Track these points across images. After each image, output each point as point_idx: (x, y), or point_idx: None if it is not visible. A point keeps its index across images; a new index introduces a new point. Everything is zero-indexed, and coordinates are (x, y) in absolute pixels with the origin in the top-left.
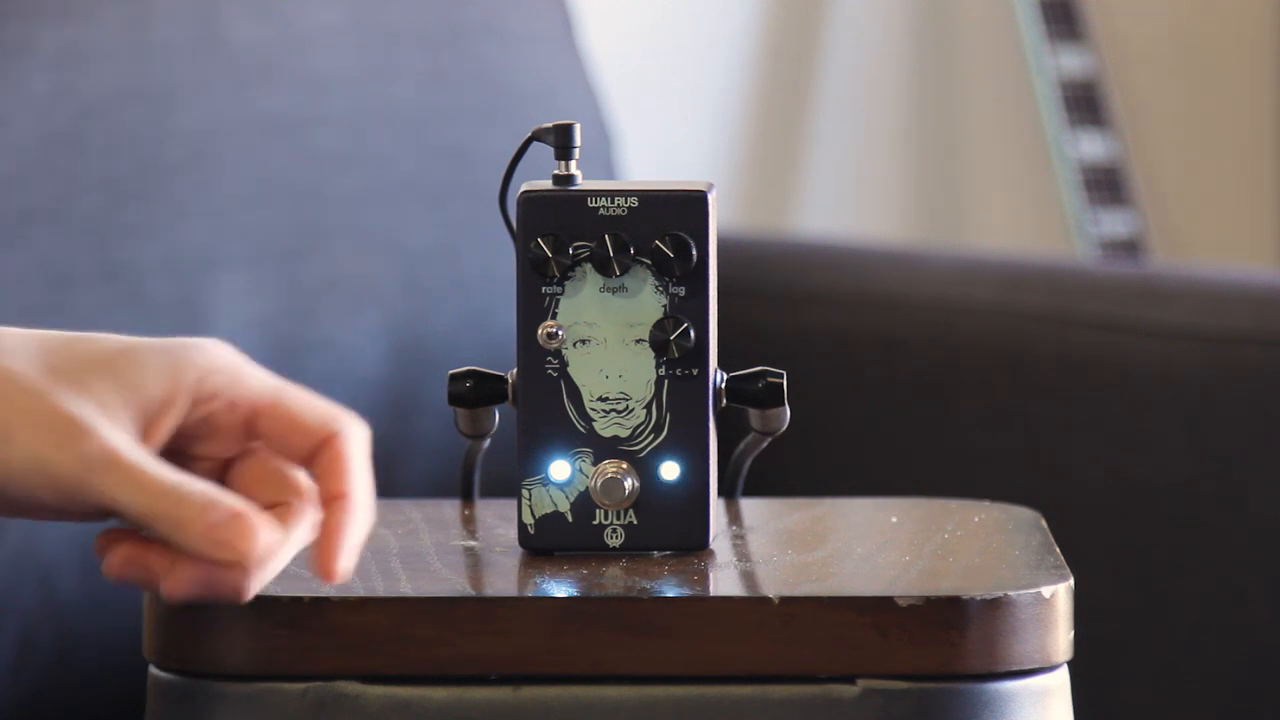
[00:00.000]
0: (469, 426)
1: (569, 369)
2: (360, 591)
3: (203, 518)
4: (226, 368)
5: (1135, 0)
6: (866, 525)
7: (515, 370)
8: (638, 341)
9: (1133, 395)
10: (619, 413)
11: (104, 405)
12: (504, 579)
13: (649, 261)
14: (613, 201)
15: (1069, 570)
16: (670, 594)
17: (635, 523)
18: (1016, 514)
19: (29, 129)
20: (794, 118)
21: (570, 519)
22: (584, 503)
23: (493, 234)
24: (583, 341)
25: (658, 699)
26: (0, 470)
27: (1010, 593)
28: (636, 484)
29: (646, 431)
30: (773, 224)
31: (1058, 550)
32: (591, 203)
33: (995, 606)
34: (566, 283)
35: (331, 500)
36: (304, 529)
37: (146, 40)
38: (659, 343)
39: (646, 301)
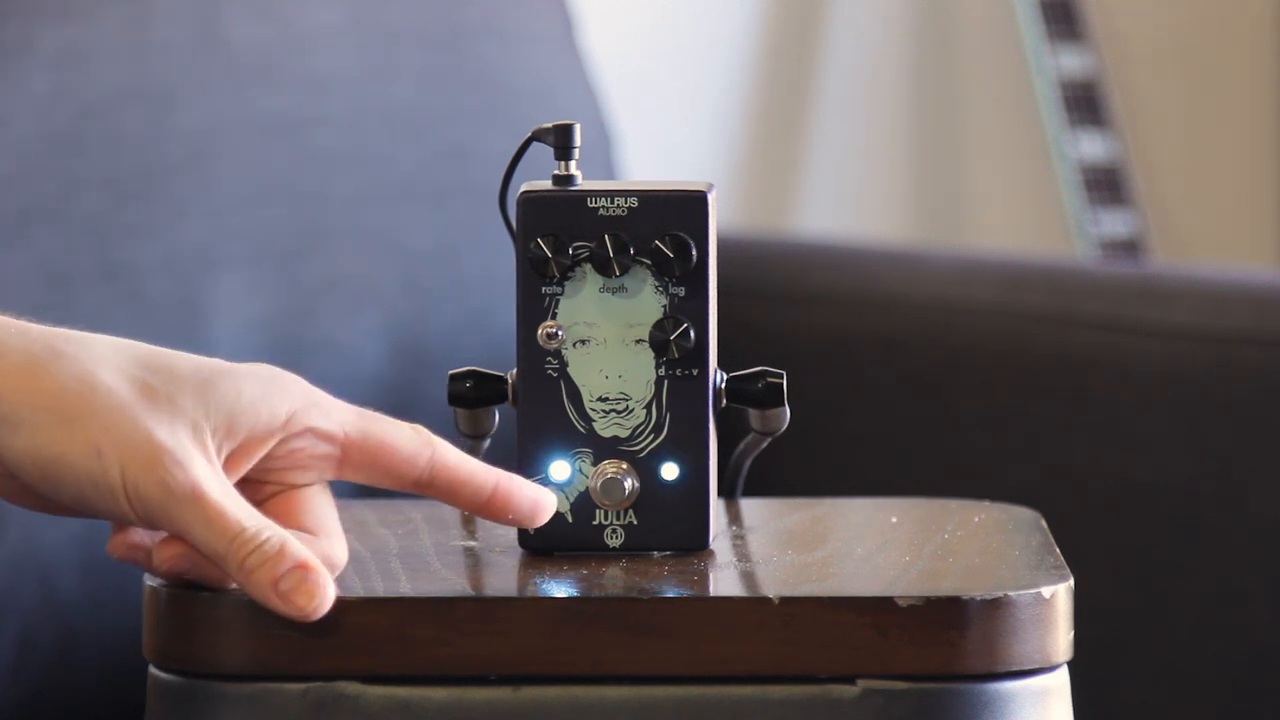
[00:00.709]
0: (469, 426)
1: (569, 369)
2: (360, 591)
3: (271, 571)
4: (318, 402)
5: (1135, 0)
6: (866, 525)
7: (515, 370)
8: (638, 342)
9: (1133, 395)
10: (619, 413)
11: (195, 430)
12: (504, 579)
13: (649, 261)
14: (613, 201)
15: (1069, 570)
16: (670, 594)
17: (635, 523)
18: (1016, 514)
19: (29, 129)
20: (794, 118)
21: (570, 519)
22: (584, 503)
23: (493, 234)
24: (582, 342)
25: (658, 699)
26: (84, 489)
27: (1010, 593)
28: (636, 484)
29: (646, 432)
30: (773, 224)
31: (1058, 550)
32: (591, 203)
33: (995, 607)
34: (566, 283)
35: (490, 500)
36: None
37: (146, 40)
38: (659, 343)
39: (646, 302)
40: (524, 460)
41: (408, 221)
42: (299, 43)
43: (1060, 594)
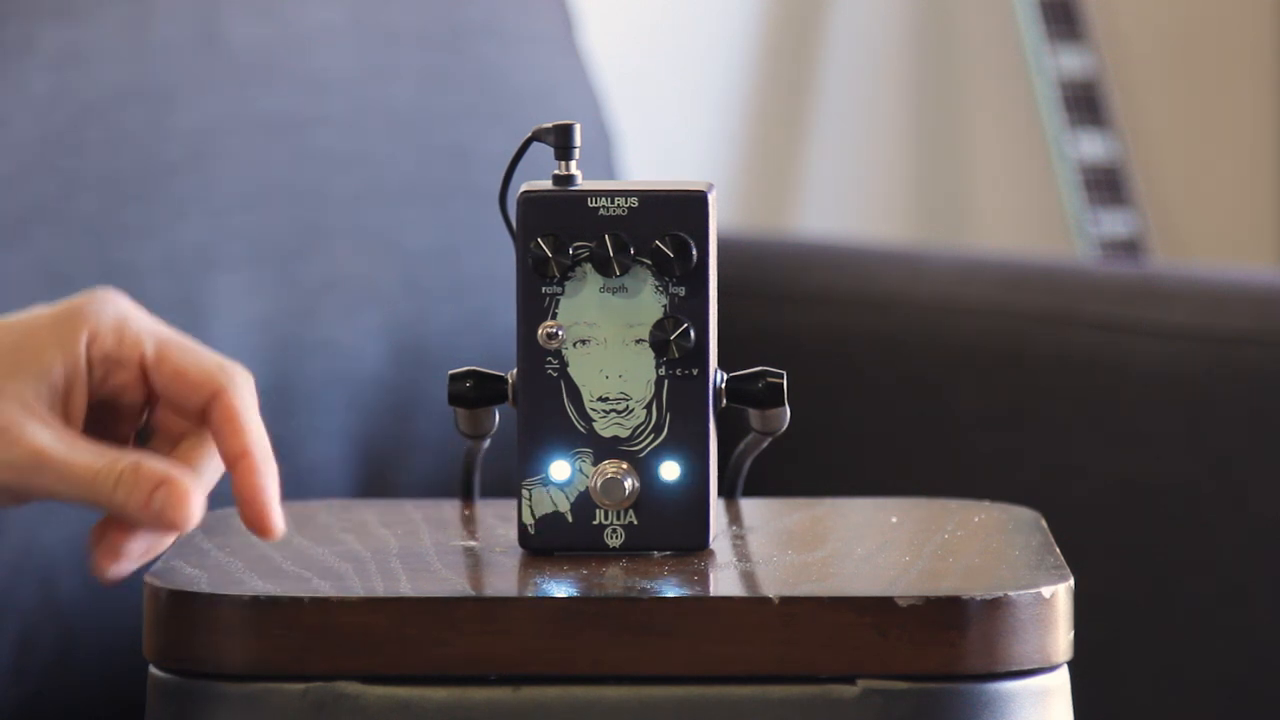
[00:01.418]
0: (469, 426)
1: (569, 369)
2: (360, 591)
3: (139, 495)
4: (111, 328)
5: (1135, 0)
6: (866, 525)
7: (515, 370)
8: (638, 341)
9: (1133, 395)
10: (619, 413)
11: (21, 402)
12: (504, 579)
13: (649, 261)
14: (613, 201)
15: (1069, 570)
16: (670, 594)
17: (635, 523)
18: (1016, 514)
19: (29, 129)
20: (794, 118)
21: (570, 519)
22: (584, 503)
23: (493, 234)
24: (583, 341)
25: (658, 699)
26: None
27: (1010, 593)
28: (636, 484)
29: (646, 431)
30: (773, 224)
31: (1058, 550)
32: (591, 203)
33: (995, 606)
34: (566, 283)
35: (236, 460)
36: (214, 461)
37: (146, 40)
38: (659, 343)
39: (646, 301)
40: (524, 460)
41: (408, 221)
42: (299, 43)
43: (1060, 594)
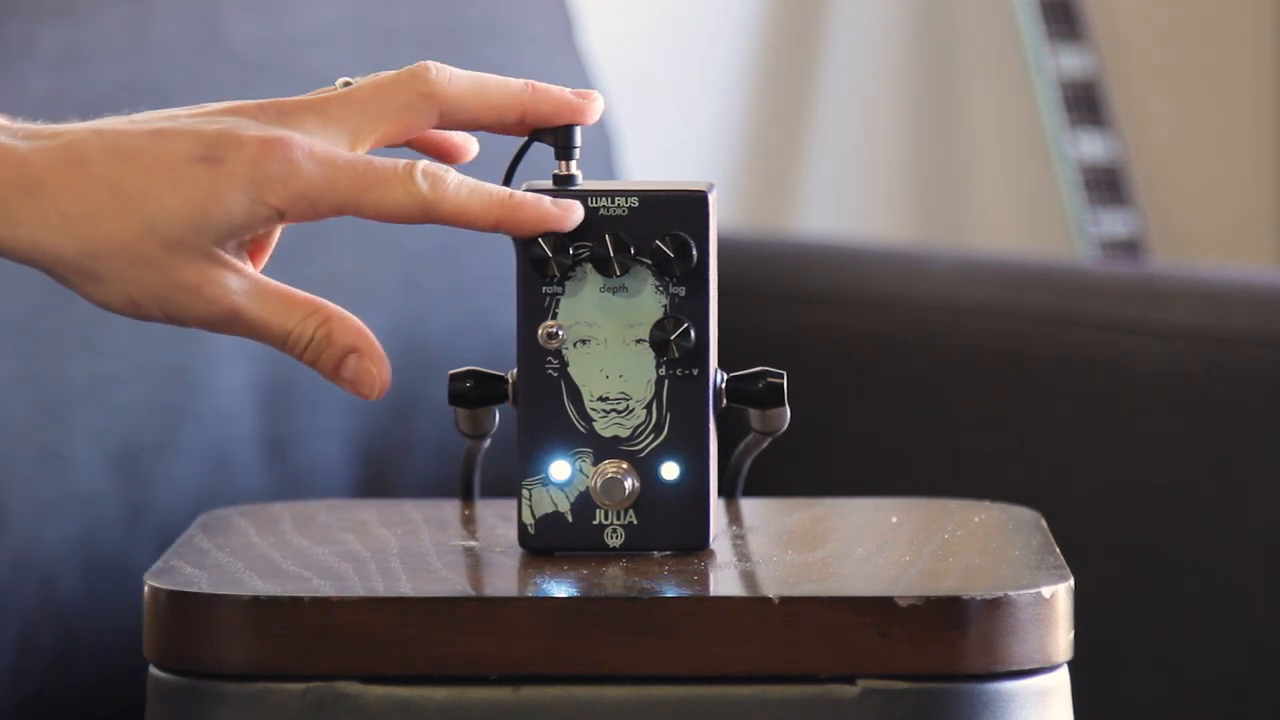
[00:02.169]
0: (469, 426)
1: (569, 369)
2: (360, 591)
3: (330, 360)
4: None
5: (1135, 0)
6: (866, 525)
7: (515, 370)
8: (638, 341)
9: (1133, 395)
10: (619, 413)
11: (206, 255)
12: (504, 579)
13: (649, 261)
14: (613, 201)
15: (1069, 570)
16: (670, 594)
17: (635, 523)
18: (1016, 514)
19: None
20: (794, 118)
21: (570, 519)
22: (584, 503)
23: (493, 234)
24: (583, 341)
25: (658, 699)
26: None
27: (1010, 593)
28: (636, 484)
29: (647, 431)
30: (773, 224)
31: (1058, 550)
32: (592, 203)
33: (995, 606)
34: (567, 283)
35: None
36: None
37: (146, 40)
38: (659, 343)
39: (647, 301)
40: (524, 460)
41: None
42: (299, 42)
43: (1060, 594)
